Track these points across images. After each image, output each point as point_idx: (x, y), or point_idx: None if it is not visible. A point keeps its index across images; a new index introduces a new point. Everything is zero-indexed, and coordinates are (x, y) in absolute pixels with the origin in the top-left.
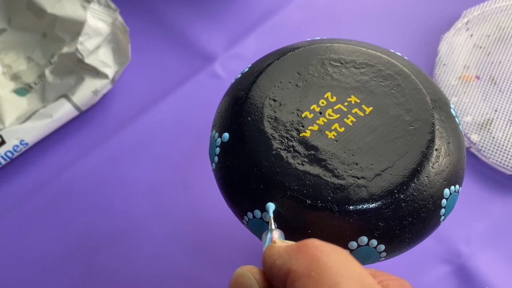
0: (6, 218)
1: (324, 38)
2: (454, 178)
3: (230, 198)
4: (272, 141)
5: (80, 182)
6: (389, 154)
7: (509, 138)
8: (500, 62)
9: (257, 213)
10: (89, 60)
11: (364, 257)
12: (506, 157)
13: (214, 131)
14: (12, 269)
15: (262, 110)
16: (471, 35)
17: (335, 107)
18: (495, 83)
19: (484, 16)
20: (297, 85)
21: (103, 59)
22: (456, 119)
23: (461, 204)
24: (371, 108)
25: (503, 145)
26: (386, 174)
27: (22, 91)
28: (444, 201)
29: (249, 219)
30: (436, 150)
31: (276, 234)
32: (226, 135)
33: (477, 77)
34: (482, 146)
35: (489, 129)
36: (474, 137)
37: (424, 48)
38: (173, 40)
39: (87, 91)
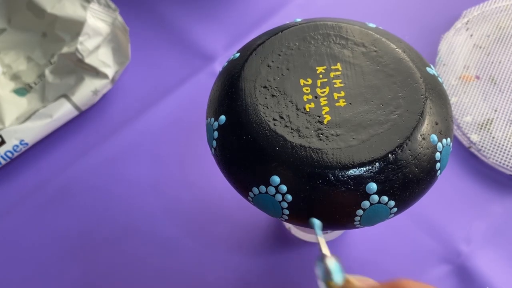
0: (6, 218)
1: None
2: (444, 132)
3: (233, 177)
4: (268, 116)
5: (80, 182)
6: (385, 119)
7: (509, 138)
8: (500, 62)
9: (262, 188)
10: (89, 60)
11: (376, 214)
12: (506, 157)
13: (209, 118)
14: (12, 269)
15: (255, 88)
16: (471, 35)
17: (325, 80)
18: (495, 83)
19: (484, 16)
20: (287, 60)
21: (103, 59)
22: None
23: (461, 204)
24: (360, 80)
25: (503, 145)
26: (385, 136)
27: (22, 91)
28: (438, 154)
29: (254, 194)
30: (427, 111)
31: (331, 263)
32: (222, 118)
33: (477, 77)
34: (482, 146)
35: (489, 129)
36: (474, 137)
37: (424, 48)
38: (173, 40)
39: (87, 91)
